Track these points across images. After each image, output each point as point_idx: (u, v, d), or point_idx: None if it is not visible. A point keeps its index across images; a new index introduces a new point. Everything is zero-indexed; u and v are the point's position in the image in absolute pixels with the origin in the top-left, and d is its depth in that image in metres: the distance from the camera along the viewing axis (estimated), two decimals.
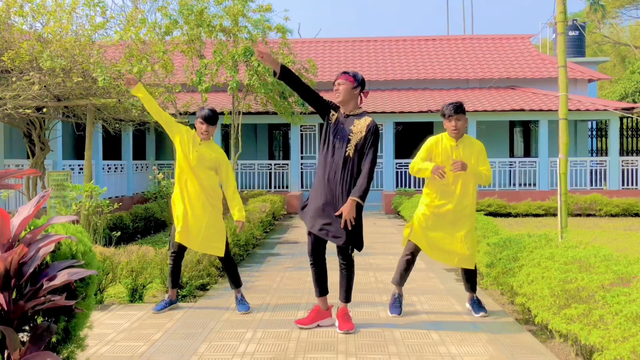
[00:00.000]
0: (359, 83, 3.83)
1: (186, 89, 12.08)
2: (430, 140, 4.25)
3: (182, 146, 4.29)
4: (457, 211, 4.12)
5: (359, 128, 3.73)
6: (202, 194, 4.27)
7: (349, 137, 3.72)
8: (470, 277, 4.27)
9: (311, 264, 3.94)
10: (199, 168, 4.27)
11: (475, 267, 4.29)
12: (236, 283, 4.46)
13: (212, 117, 4.28)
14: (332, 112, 3.84)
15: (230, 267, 4.45)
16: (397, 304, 4.26)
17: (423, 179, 4.65)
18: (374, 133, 3.74)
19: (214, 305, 4.54)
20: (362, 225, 3.83)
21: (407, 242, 4.31)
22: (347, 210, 3.63)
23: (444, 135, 4.22)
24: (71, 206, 6.51)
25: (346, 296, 3.90)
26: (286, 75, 3.72)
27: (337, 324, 3.86)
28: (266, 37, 10.18)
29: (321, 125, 16.15)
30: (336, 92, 3.80)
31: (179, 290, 4.75)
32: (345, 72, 3.83)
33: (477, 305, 4.22)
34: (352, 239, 3.74)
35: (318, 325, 3.90)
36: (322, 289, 3.95)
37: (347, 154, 3.72)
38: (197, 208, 4.25)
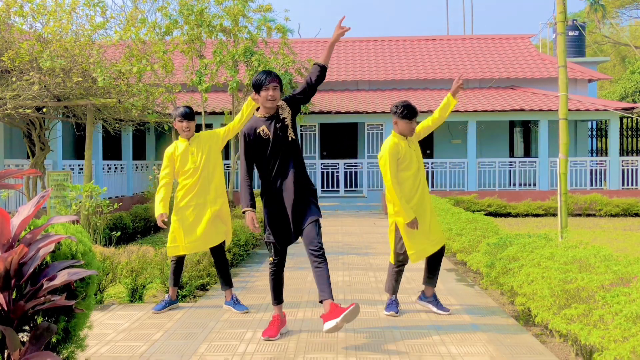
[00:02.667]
0: (282, 85, 3.78)
1: (186, 89, 12.08)
2: (391, 147, 4.08)
3: (181, 163, 4.38)
4: (423, 196, 4.17)
5: (287, 111, 3.66)
6: (210, 190, 4.34)
7: (285, 124, 3.64)
8: (437, 266, 4.26)
9: (275, 271, 3.77)
10: (206, 164, 4.35)
11: (443, 251, 4.29)
12: (227, 282, 4.44)
13: (189, 113, 4.40)
14: (259, 131, 3.66)
15: (223, 263, 4.43)
16: (394, 304, 4.27)
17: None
18: (290, 98, 3.71)
19: (214, 305, 4.54)
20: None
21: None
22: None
23: (397, 138, 4.13)
24: (71, 206, 6.51)
25: (330, 291, 3.49)
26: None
27: (331, 319, 3.54)
28: (269, 36, 10.18)
29: (321, 125, 16.18)
30: (271, 98, 3.60)
31: (178, 290, 4.76)
32: (271, 74, 3.65)
33: (439, 303, 4.25)
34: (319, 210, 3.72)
35: (280, 334, 3.76)
36: (280, 296, 3.82)
37: (290, 138, 3.65)
38: (208, 208, 4.32)
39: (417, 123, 4.21)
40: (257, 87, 3.63)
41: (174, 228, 4.36)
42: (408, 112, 4.09)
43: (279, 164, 3.67)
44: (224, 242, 4.45)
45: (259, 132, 3.66)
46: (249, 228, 3.67)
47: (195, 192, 4.33)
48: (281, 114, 3.69)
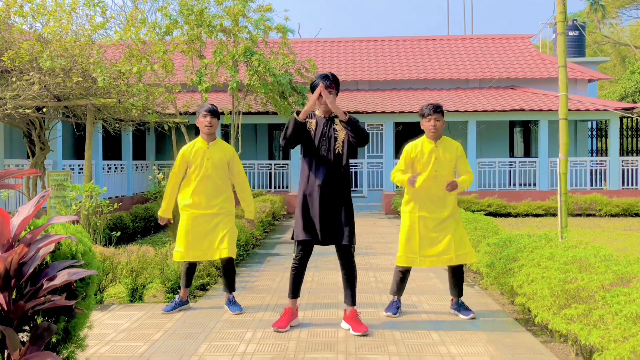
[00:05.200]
0: (339, 86, 3.91)
1: (186, 89, 12.08)
2: (408, 148, 4.23)
3: (193, 165, 4.27)
4: (440, 218, 4.13)
5: (341, 126, 3.80)
6: (217, 201, 4.25)
7: (336, 135, 3.79)
8: (459, 280, 4.23)
9: (297, 268, 3.91)
10: (215, 174, 4.25)
11: (463, 270, 4.26)
12: (231, 287, 4.43)
13: (215, 110, 4.32)
14: (308, 121, 3.86)
15: (230, 270, 4.41)
16: (393, 305, 4.25)
17: None
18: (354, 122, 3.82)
19: (214, 305, 4.54)
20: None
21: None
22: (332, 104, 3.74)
23: (422, 140, 4.22)
24: (71, 206, 6.50)
25: (354, 299, 3.90)
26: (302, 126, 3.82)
27: (348, 326, 3.83)
28: (267, 37, 10.18)
29: None
30: (324, 100, 3.74)
31: (178, 291, 4.75)
32: (328, 77, 3.77)
33: (464, 307, 4.19)
34: (354, 235, 3.84)
35: (290, 327, 3.87)
36: (297, 291, 3.96)
37: (337, 151, 3.79)
38: (213, 218, 4.25)
39: (440, 122, 4.10)
40: (312, 87, 3.83)
41: (179, 235, 4.31)
42: (425, 110, 4.14)
43: (318, 164, 3.80)
44: (230, 258, 4.37)
45: (308, 122, 3.85)
46: (313, 103, 3.75)
47: (204, 199, 4.23)
48: (335, 124, 3.82)
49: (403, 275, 4.25)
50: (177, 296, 4.49)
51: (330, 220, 3.78)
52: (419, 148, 4.18)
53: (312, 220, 3.80)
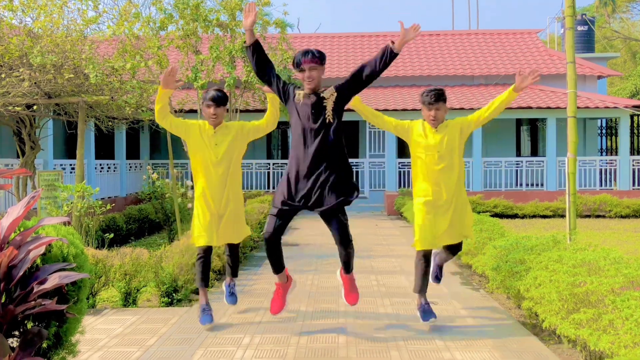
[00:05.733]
0: (324, 59, 3.69)
1: (182, 86, 11.91)
2: (411, 122, 4.01)
3: (199, 143, 3.98)
4: (448, 200, 3.91)
5: (329, 93, 3.65)
6: (227, 185, 3.99)
7: (324, 104, 3.63)
8: (455, 253, 4.20)
9: (269, 243, 3.70)
10: (224, 160, 3.98)
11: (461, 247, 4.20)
12: (234, 272, 4.40)
13: (220, 98, 3.92)
14: (297, 92, 3.70)
15: (237, 255, 4.41)
16: (428, 308, 3.92)
17: None
18: (340, 85, 3.69)
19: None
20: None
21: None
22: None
23: (425, 124, 3.97)
24: (62, 207, 6.38)
25: (348, 267, 3.83)
26: (256, 49, 3.72)
27: (342, 292, 3.85)
28: (265, 32, 10.06)
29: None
30: (308, 79, 3.60)
31: (173, 294, 4.65)
32: (310, 53, 3.60)
33: (441, 273, 4.28)
34: (349, 189, 3.66)
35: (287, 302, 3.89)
36: (280, 265, 3.83)
37: (327, 120, 3.62)
38: (224, 200, 3.98)
39: (440, 111, 3.85)
40: (295, 64, 3.65)
41: (194, 223, 4.12)
42: (425, 97, 3.88)
43: (305, 138, 3.62)
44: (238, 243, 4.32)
45: (297, 93, 3.69)
46: None
47: (212, 189, 3.98)
48: (323, 94, 3.65)
49: (426, 263, 3.96)
50: (202, 301, 4.06)
51: (318, 184, 3.58)
52: (421, 130, 3.94)
53: (298, 187, 3.62)
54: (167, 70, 3.86)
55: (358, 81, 3.67)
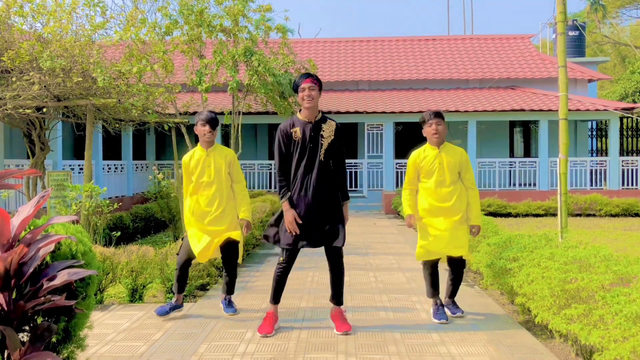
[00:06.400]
0: (321, 87, 3.89)
1: (186, 89, 12.07)
2: (413, 156, 4.23)
3: (194, 173, 4.21)
4: (450, 220, 4.09)
5: (328, 133, 3.81)
6: (222, 200, 4.18)
7: (321, 142, 3.78)
8: (459, 279, 4.23)
9: (282, 274, 3.88)
10: (217, 179, 4.19)
11: (463, 268, 4.26)
12: (230, 290, 4.38)
13: (214, 119, 4.22)
14: (292, 130, 3.81)
15: (232, 271, 4.35)
16: (441, 310, 4.11)
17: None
18: (341, 134, 3.88)
19: (214, 305, 4.54)
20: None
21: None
22: (347, 215, 3.91)
23: (426, 147, 4.22)
24: (71, 206, 6.49)
25: (340, 299, 3.90)
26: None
27: (334, 325, 3.86)
28: (267, 37, 10.17)
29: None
30: (308, 98, 3.75)
31: None
32: (310, 75, 3.80)
33: (455, 305, 4.21)
34: (345, 236, 3.85)
35: (275, 331, 3.84)
36: (279, 297, 3.94)
37: (320, 158, 3.78)
38: (217, 218, 4.15)
39: (441, 125, 4.11)
40: (295, 88, 3.81)
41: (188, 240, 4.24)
42: (425, 116, 4.18)
43: (306, 170, 3.78)
44: (236, 254, 4.31)
45: (292, 132, 3.82)
46: (289, 227, 3.77)
47: (207, 207, 4.16)
48: (322, 129, 3.81)
49: (432, 271, 4.17)
50: (173, 299, 4.36)
51: (320, 223, 3.76)
52: (423, 155, 4.18)
53: (301, 225, 3.76)
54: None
55: (334, 161, 3.86)
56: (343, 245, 3.82)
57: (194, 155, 4.26)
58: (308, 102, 3.75)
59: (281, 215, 3.87)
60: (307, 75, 3.78)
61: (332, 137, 3.81)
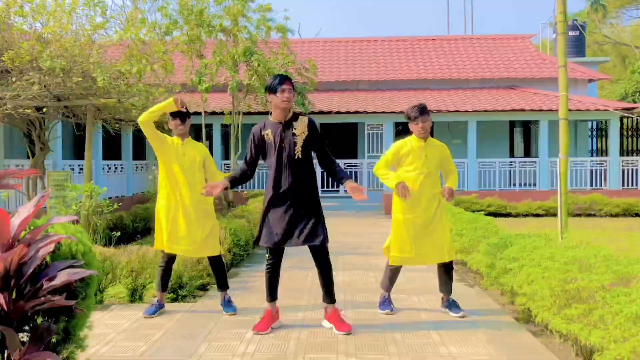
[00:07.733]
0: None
1: (186, 89, 12.06)
2: (398, 144, 4.31)
3: (171, 154, 4.29)
4: (428, 217, 4.18)
5: (300, 129, 3.81)
6: (195, 197, 4.22)
7: (295, 140, 3.79)
8: (450, 277, 4.28)
9: (270, 271, 3.90)
10: (190, 170, 4.27)
11: (452, 266, 4.31)
12: (223, 285, 4.39)
13: (182, 112, 4.31)
14: (264, 133, 3.84)
15: (219, 267, 4.39)
16: (387, 302, 4.30)
17: None
18: (315, 127, 3.88)
19: (214, 305, 4.53)
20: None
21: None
22: (357, 185, 3.91)
23: (411, 138, 4.30)
24: (71, 206, 6.50)
25: (332, 297, 3.91)
26: (234, 184, 3.95)
27: (331, 325, 3.85)
28: (267, 37, 10.18)
29: (321, 125, 16.18)
30: (287, 99, 3.77)
31: (179, 290, 4.75)
32: (288, 78, 3.84)
33: (455, 305, 4.22)
34: (326, 235, 3.85)
35: (271, 329, 3.85)
36: (275, 293, 3.96)
37: (296, 156, 3.79)
38: (192, 214, 4.23)
39: (427, 122, 4.20)
40: (272, 89, 3.79)
41: (157, 226, 4.33)
42: (411, 113, 4.23)
43: (282, 170, 3.80)
44: (217, 255, 4.37)
45: (264, 135, 3.84)
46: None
47: (176, 198, 4.23)
48: (294, 127, 3.79)
49: (396, 271, 4.35)
50: (155, 299, 4.38)
51: (299, 224, 3.76)
52: (409, 146, 4.26)
53: (279, 225, 3.77)
54: (181, 100, 4.27)
55: (317, 154, 3.90)
56: (325, 243, 3.80)
57: (173, 141, 4.39)
58: (286, 104, 3.77)
59: (264, 216, 3.87)
60: (286, 77, 3.82)
61: (306, 133, 3.79)
